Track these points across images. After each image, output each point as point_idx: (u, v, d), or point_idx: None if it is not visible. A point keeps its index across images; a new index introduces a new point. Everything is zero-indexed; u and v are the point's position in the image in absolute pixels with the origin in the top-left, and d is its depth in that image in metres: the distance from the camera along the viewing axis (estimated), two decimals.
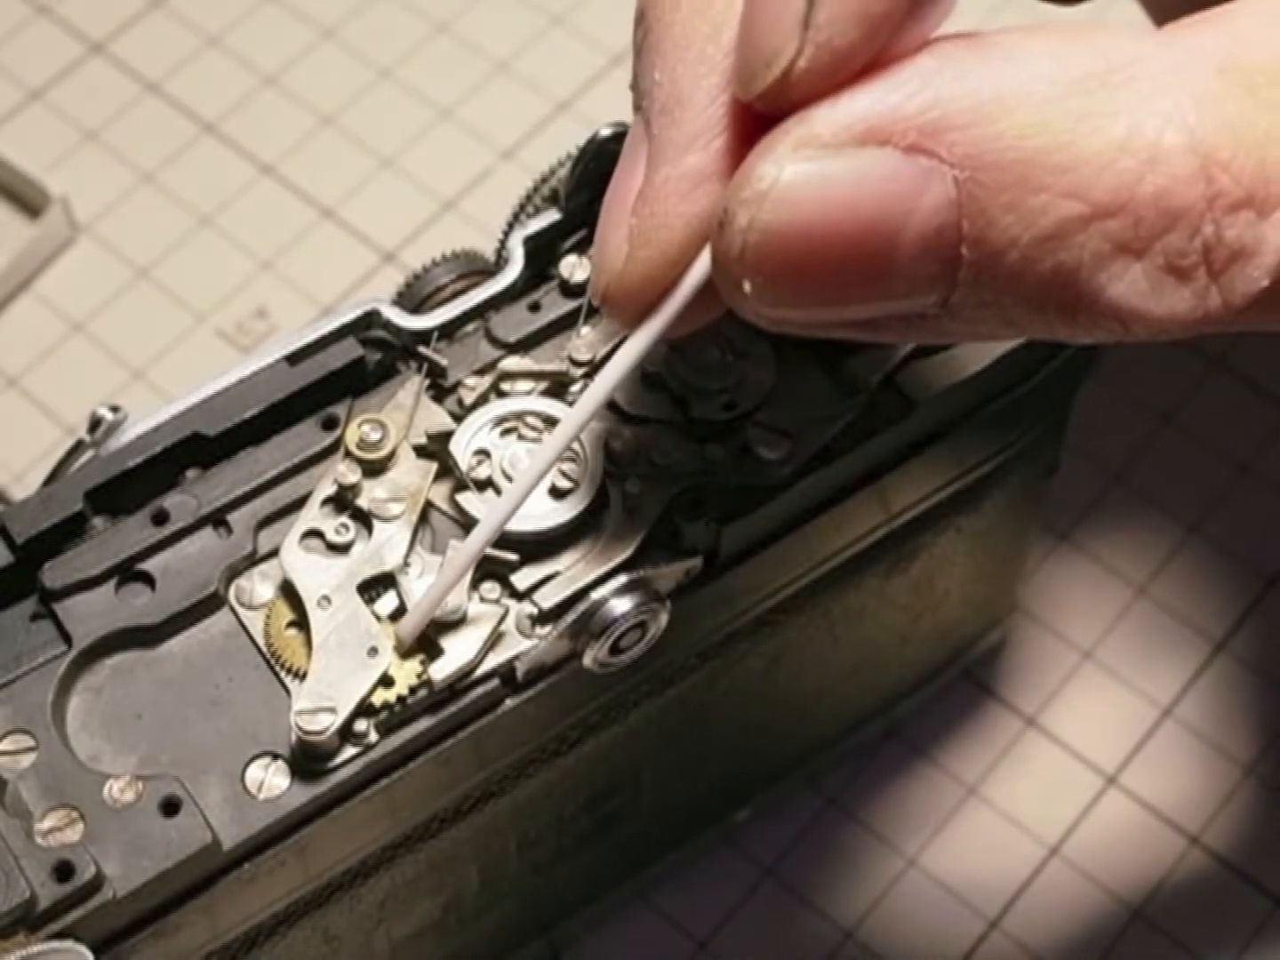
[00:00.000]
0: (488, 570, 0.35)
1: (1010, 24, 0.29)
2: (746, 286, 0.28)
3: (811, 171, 0.28)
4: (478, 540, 0.33)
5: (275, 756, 0.34)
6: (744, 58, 0.28)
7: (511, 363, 0.38)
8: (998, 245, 0.28)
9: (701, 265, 0.30)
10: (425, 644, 0.35)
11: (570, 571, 0.35)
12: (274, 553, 0.36)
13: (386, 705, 0.34)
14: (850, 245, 0.28)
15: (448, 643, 0.34)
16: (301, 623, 0.35)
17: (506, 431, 0.37)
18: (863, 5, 0.27)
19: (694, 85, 0.30)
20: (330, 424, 0.37)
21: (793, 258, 0.28)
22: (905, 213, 0.28)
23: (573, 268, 0.38)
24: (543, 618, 0.35)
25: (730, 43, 0.29)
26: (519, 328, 0.38)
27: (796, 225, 0.28)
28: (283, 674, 0.35)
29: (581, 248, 0.40)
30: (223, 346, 0.57)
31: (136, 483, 0.36)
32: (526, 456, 0.36)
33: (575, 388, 0.37)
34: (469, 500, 0.36)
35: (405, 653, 0.34)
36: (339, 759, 0.34)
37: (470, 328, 0.39)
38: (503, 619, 0.35)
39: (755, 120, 0.29)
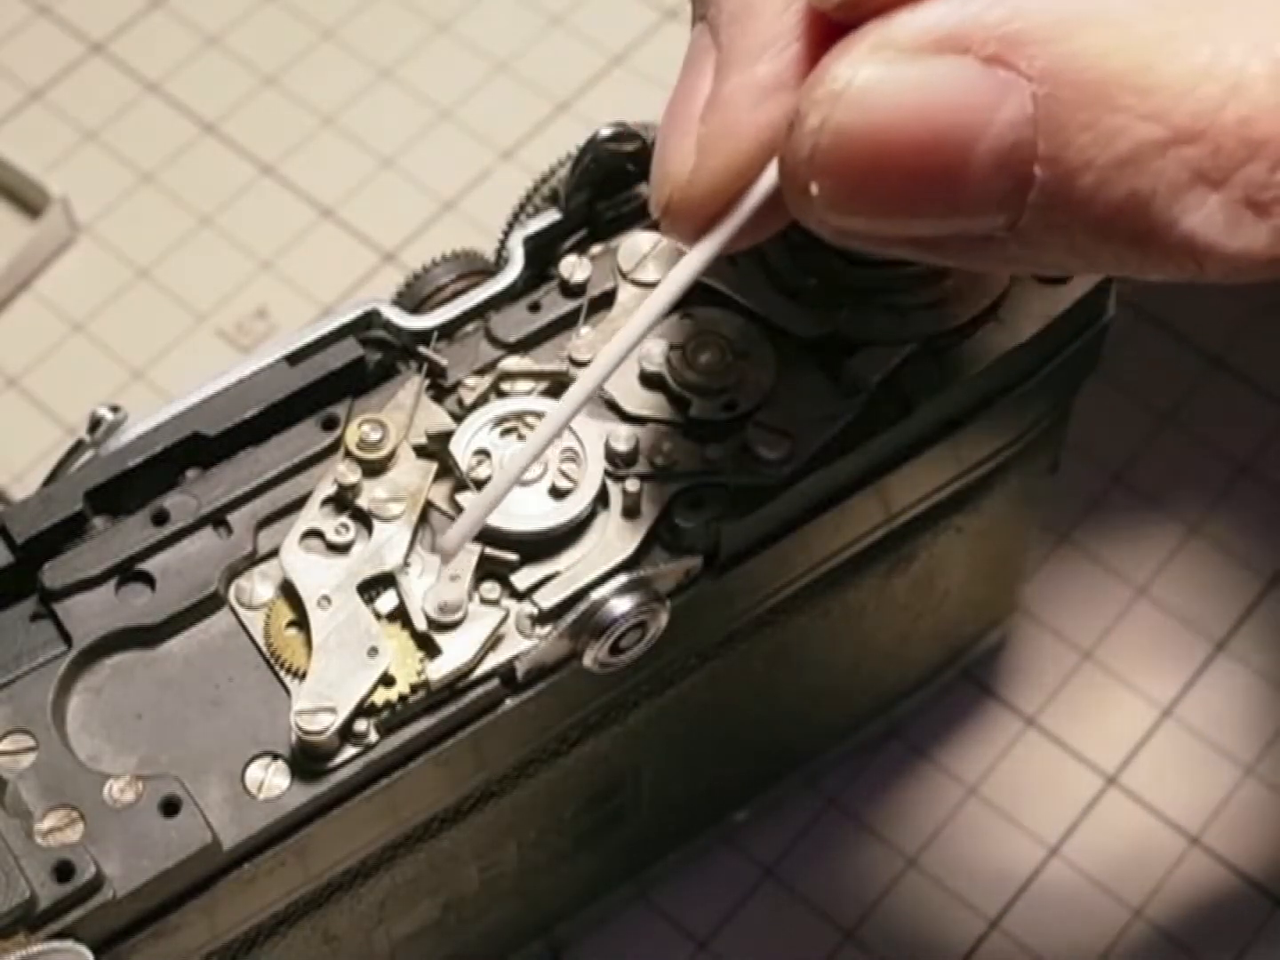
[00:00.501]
0: (488, 570, 0.35)
1: None
2: (814, 189, 0.28)
3: (888, 75, 0.27)
4: (568, 404, 0.31)
5: (275, 756, 0.34)
6: None
7: (511, 363, 0.38)
8: (1072, 166, 0.27)
9: (768, 178, 0.29)
10: (425, 644, 0.35)
11: (570, 571, 0.35)
12: (274, 553, 0.36)
13: (386, 705, 0.34)
14: (922, 153, 0.27)
15: (447, 643, 0.34)
16: (301, 623, 0.35)
17: (506, 431, 0.36)
18: None
19: None
20: (330, 424, 0.37)
21: (863, 161, 0.27)
22: (980, 124, 0.27)
23: (573, 268, 0.38)
24: (543, 618, 0.35)
25: None
26: (519, 328, 0.38)
27: (870, 128, 0.27)
28: (283, 674, 0.35)
29: (581, 248, 0.40)
30: (223, 346, 0.57)
31: (136, 483, 0.36)
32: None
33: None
34: (469, 500, 0.36)
35: (449, 562, 0.34)
36: (339, 759, 0.34)
37: (470, 328, 0.39)
38: (503, 619, 0.35)
39: (829, 29, 0.28)
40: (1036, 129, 0.27)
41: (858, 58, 0.27)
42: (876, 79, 0.27)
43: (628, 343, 0.31)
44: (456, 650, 0.34)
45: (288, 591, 0.35)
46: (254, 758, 0.34)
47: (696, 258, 0.30)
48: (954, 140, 0.27)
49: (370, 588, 0.35)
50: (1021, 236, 0.28)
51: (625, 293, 0.38)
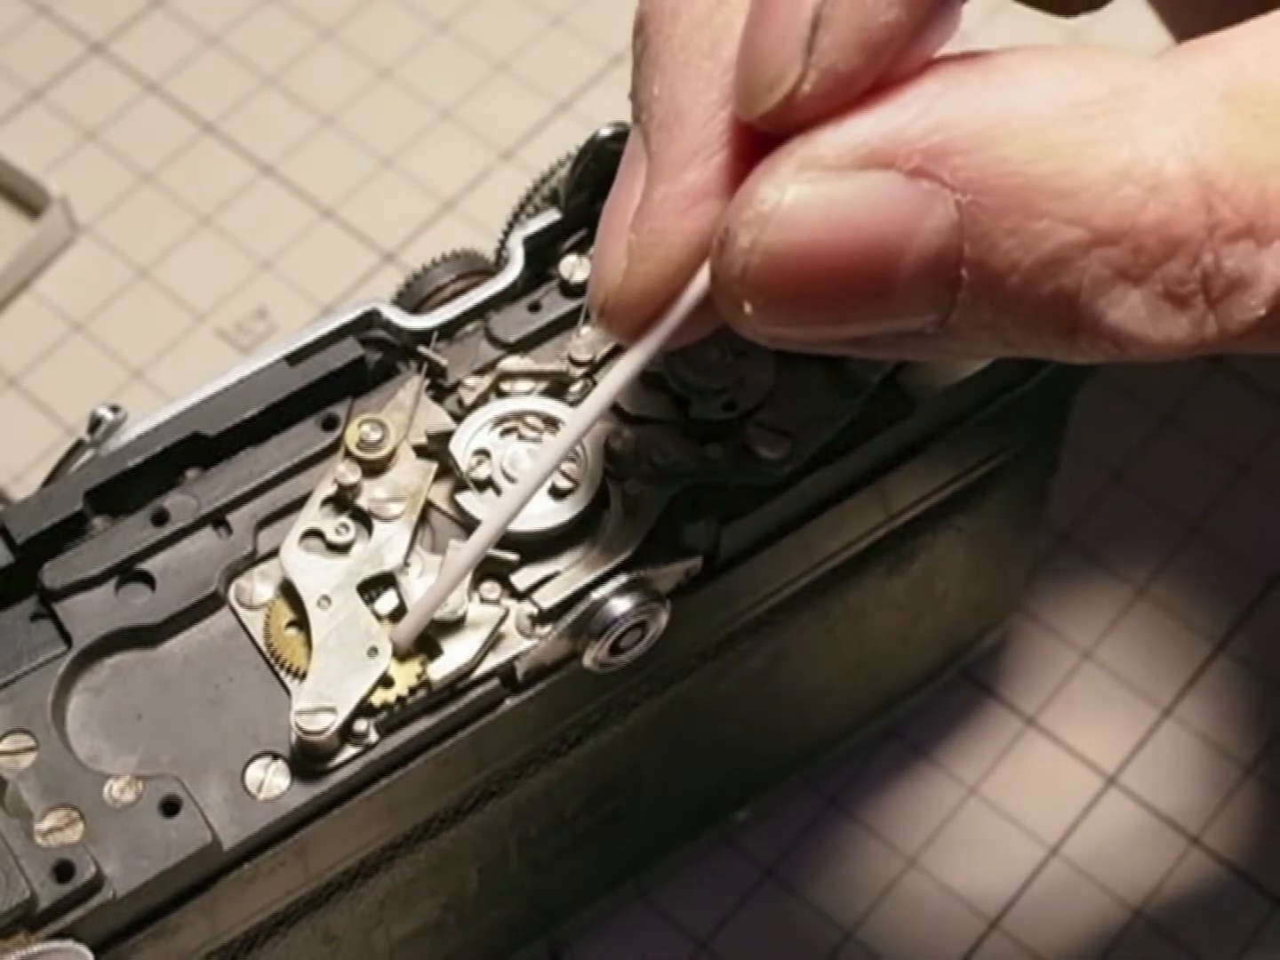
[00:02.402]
0: (488, 570, 0.35)
1: (1005, 30, 0.29)
2: (748, 308, 0.28)
3: (815, 194, 0.28)
4: (476, 544, 0.33)
5: (275, 756, 0.34)
6: (745, 79, 0.28)
7: (511, 363, 0.38)
8: (999, 269, 0.28)
9: (700, 281, 0.30)
10: (425, 644, 0.35)
11: (570, 571, 0.35)
12: (274, 553, 0.36)
13: (386, 705, 0.34)
14: (852, 267, 0.28)
15: (447, 643, 0.34)
16: (301, 623, 0.35)
17: (506, 431, 0.37)
18: (866, 30, 0.27)
19: (693, 101, 0.30)
20: (330, 424, 0.37)
21: (795, 279, 0.28)
22: (907, 235, 0.28)
23: (573, 268, 0.38)
24: (543, 618, 0.35)
25: (729, 59, 0.29)
26: (519, 328, 0.38)
27: (799, 247, 0.28)
28: (283, 674, 0.35)
29: (581, 248, 0.40)
30: (223, 346, 0.57)
31: (136, 483, 0.36)
32: (527, 456, 0.36)
33: (575, 388, 0.37)
34: (469, 500, 0.36)
35: (403, 656, 0.34)
36: (339, 759, 0.34)
37: (470, 328, 0.39)
38: (503, 619, 0.35)
39: (755, 137, 0.29)
40: (962, 234, 0.28)
41: (784, 176, 0.28)
42: (803, 199, 0.28)
43: (564, 445, 0.32)
44: (456, 650, 0.34)
45: (288, 591, 0.35)
46: (254, 758, 0.34)
47: (633, 359, 0.31)
48: (882, 252, 0.28)
49: (370, 588, 0.35)
50: (952, 332, 0.29)
51: None
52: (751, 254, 0.28)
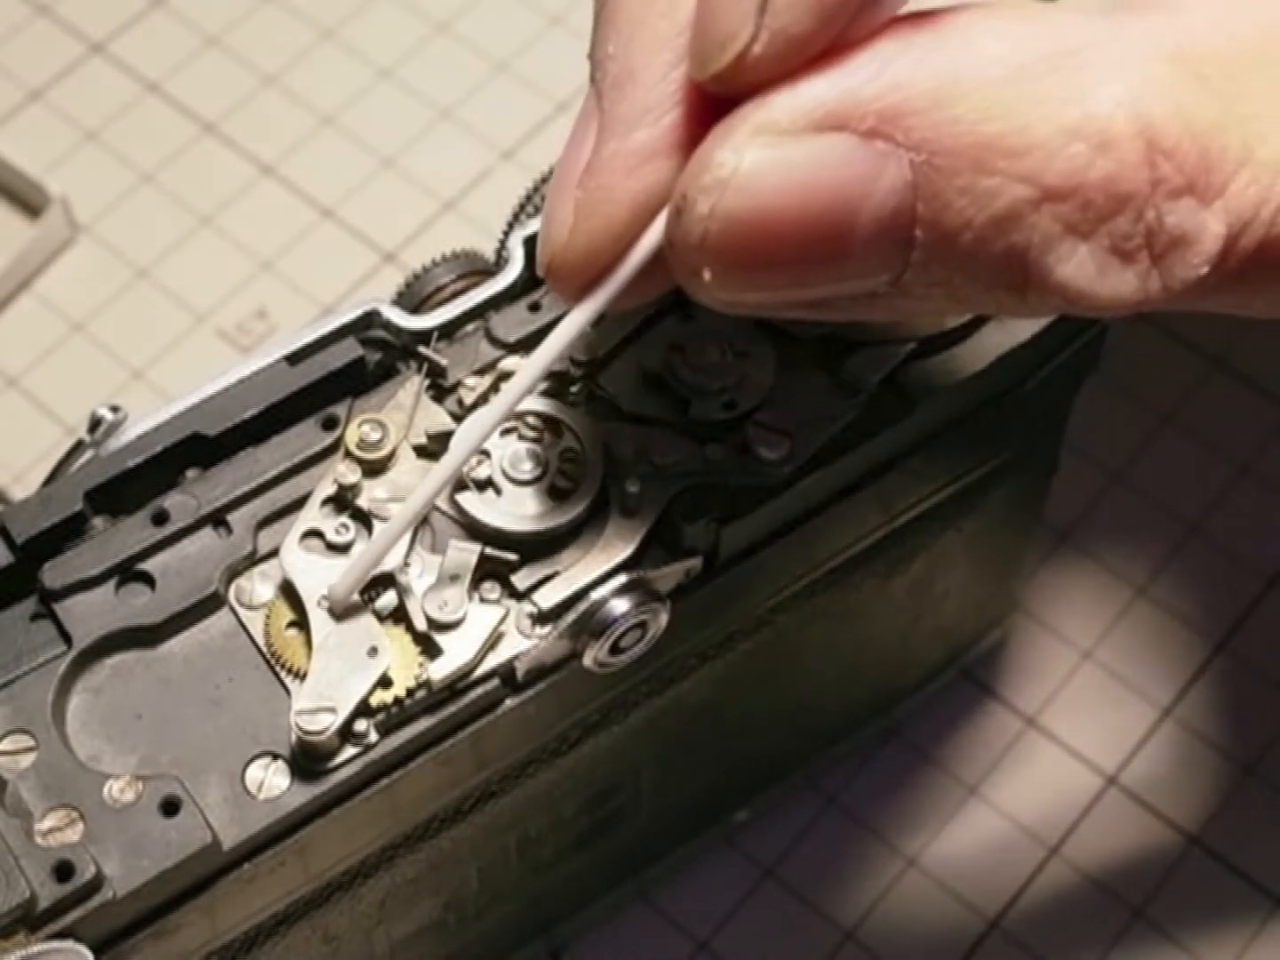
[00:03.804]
0: (488, 570, 0.35)
1: None
2: (706, 274, 0.29)
3: (772, 158, 0.28)
4: (415, 501, 0.33)
5: (275, 756, 0.34)
6: (698, 39, 0.28)
7: (511, 363, 0.38)
8: (951, 227, 0.28)
9: (647, 241, 0.30)
10: (425, 644, 0.35)
11: (570, 571, 0.35)
12: (274, 553, 0.36)
13: (386, 705, 0.34)
14: (808, 230, 0.28)
15: (447, 643, 0.34)
16: (301, 623, 0.35)
17: (506, 431, 0.36)
18: None
19: (646, 61, 0.30)
20: (330, 424, 0.37)
21: (753, 245, 0.28)
22: (862, 196, 0.28)
23: None
24: (543, 618, 0.35)
25: (685, 20, 0.29)
26: (519, 328, 0.38)
27: (758, 212, 0.28)
28: (283, 674, 0.35)
29: None
30: (223, 346, 0.57)
31: (136, 483, 0.36)
32: (527, 456, 0.36)
33: (575, 388, 0.37)
34: (469, 500, 0.36)
35: (340, 615, 0.34)
36: (339, 759, 0.34)
37: (470, 328, 0.39)
38: (503, 619, 0.35)
39: (707, 100, 0.29)
40: (916, 194, 0.28)
41: (740, 141, 0.28)
42: (760, 163, 0.28)
43: (511, 398, 0.32)
44: (456, 650, 0.34)
45: (288, 591, 0.35)
46: (254, 758, 0.34)
47: (578, 317, 0.31)
48: (837, 214, 0.28)
49: (370, 588, 0.35)
50: (906, 290, 0.29)
51: None
52: (710, 220, 0.28)
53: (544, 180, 0.41)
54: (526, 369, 0.32)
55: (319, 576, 0.35)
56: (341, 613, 0.34)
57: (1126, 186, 0.28)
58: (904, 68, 0.28)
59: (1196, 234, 0.28)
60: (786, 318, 0.31)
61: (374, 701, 0.34)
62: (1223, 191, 0.28)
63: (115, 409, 0.37)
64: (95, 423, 0.37)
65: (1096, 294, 0.29)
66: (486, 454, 0.36)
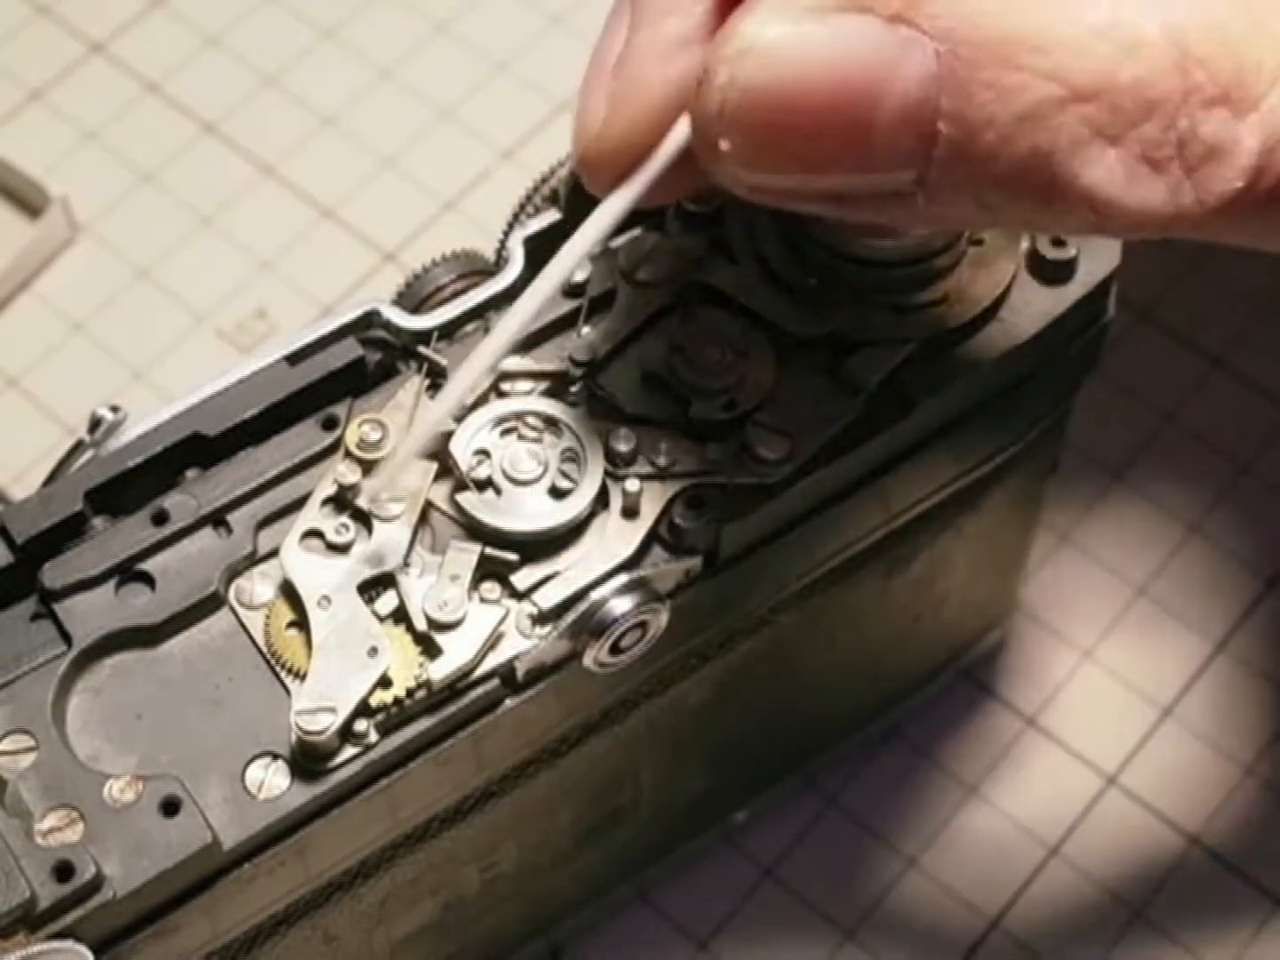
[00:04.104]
0: (488, 570, 0.35)
1: None
2: (724, 145, 0.29)
3: (794, 32, 0.28)
4: (487, 351, 0.32)
5: (275, 756, 0.34)
6: None
7: (511, 363, 0.38)
8: (975, 122, 0.28)
9: (680, 131, 0.30)
10: (425, 644, 0.35)
11: (570, 571, 0.35)
12: (274, 553, 0.36)
13: (386, 705, 0.34)
14: (829, 109, 0.28)
15: (447, 643, 0.34)
16: (301, 623, 0.35)
17: (506, 431, 0.36)
18: None
19: None
20: (330, 424, 0.37)
21: (771, 116, 0.28)
22: (884, 80, 0.28)
23: None
24: (543, 618, 0.35)
25: None
26: None
27: (776, 84, 0.28)
28: (283, 674, 0.35)
29: None
30: (223, 346, 0.57)
31: (136, 483, 0.36)
32: (527, 456, 0.36)
33: (575, 387, 0.37)
34: (469, 500, 0.36)
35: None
36: (339, 759, 0.34)
37: (470, 328, 0.39)
38: (503, 619, 0.35)
39: None
40: (940, 86, 0.28)
41: (765, 16, 0.28)
42: (783, 36, 0.28)
43: (553, 280, 0.31)
44: (456, 650, 0.34)
45: (288, 591, 0.35)
46: (254, 758, 0.34)
47: (612, 207, 0.31)
48: (859, 97, 0.28)
49: (370, 588, 0.35)
50: (929, 192, 0.29)
51: (625, 292, 0.38)
52: (730, 89, 0.28)
53: (544, 180, 0.41)
54: (561, 257, 0.31)
55: (319, 576, 0.35)
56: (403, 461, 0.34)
57: (1157, 92, 0.28)
58: None
59: (1231, 146, 0.28)
60: (813, 213, 0.30)
61: (374, 701, 0.34)
62: (1257, 105, 0.28)
63: (115, 409, 0.37)
64: (95, 423, 0.37)
65: (1124, 203, 0.28)
66: (486, 454, 0.36)
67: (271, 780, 0.34)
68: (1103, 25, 0.28)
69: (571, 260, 0.31)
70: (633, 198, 0.31)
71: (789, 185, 0.29)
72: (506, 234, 0.40)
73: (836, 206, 0.30)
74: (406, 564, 0.35)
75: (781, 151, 0.29)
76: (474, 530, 0.36)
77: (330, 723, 0.33)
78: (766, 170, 0.29)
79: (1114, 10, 0.28)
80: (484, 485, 0.36)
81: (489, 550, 0.35)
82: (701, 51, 0.29)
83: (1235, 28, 0.28)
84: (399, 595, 0.35)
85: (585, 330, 0.38)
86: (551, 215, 0.40)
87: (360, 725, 0.34)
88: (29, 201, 0.59)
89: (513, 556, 0.35)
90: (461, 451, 0.36)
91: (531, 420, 0.37)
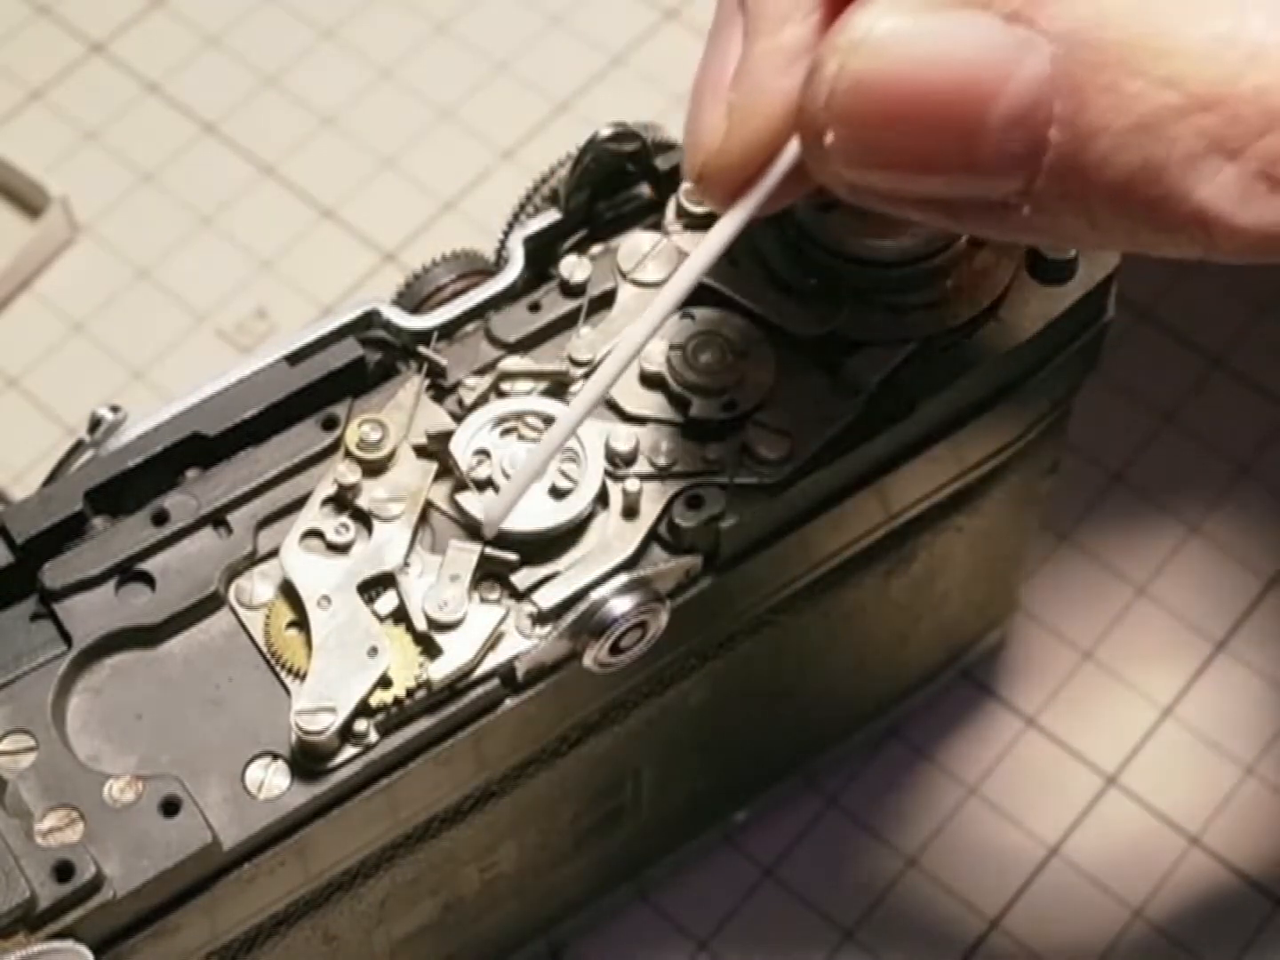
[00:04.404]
0: (488, 570, 0.35)
1: None
2: (829, 137, 0.28)
3: (908, 26, 0.27)
4: (584, 399, 0.32)
5: (275, 756, 0.34)
6: None
7: (511, 363, 0.38)
8: (1088, 130, 0.27)
9: (796, 142, 0.29)
10: (425, 644, 0.35)
11: (570, 571, 0.35)
12: (274, 553, 0.36)
13: (386, 705, 0.34)
14: (939, 107, 0.27)
15: (447, 643, 0.34)
16: (301, 623, 0.35)
17: (506, 431, 0.36)
18: None
19: None
20: (330, 424, 0.37)
21: (879, 110, 0.28)
22: (998, 81, 0.27)
23: (573, 268, 0.38)
24: (543, 618, 0.35)
25: None
26: (519, 328, 0.38)
27: (886, 77, 0.27)
28: (283, 674, 0.35)
29: (581, 247, 0.40)
30: (223, 346, 0.57)
31: (136, 483, 0.36)
32: (528, 455, 0.36)
33: (575, 387, 0.37)
34: (469, 500, 0.36)
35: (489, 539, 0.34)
36: (339, 759, 0.34)
37: (470, 328, 0.39)
38: (503, 619, 0.35)
39: None
40: (1054, 90, 0.27)
41: (881, 8, 0.28)
42: (896, 29, 0.27)
43: (669, 304, 0.31)
44: (456, 650, 0.34)
45: (288, 591, 0.35)
46: (254, 758, 0.34)
47: (730, 222, 0.30)
48: (971, 96, 0.27)
49: (370, 588, 0.35)
50: (1036, 203, 0.28)
51: (625, 292, 0.38)
52: (839, 79, 0.28)
53: (544, 180, 0.41)
54: (680, 275, 0.31)
55: (319, 576, 0.35)
56: (493, 530, 0.34)
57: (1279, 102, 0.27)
58: None
59: None
60: (917, 218, 0.30)
61: (374, 701, 0.34)
62: None
63: (115, 409, 0.37)
64: (95, 423, 0.37)
65: (1238, 221, 0.27)
66: (486, 454, 0.36)
67: (271, 780, 0.34)
68: (1226, 32, 0.27)
69: (688, 282, 0.31)
70: (752, 209, 0.30)
71: (891, 186, 0.29)
72: (506, 234, 0.40)
73: (939, 214, 0.29)
74: (406, 564, 0.35)
75: (887, 147, 0.28)
76: (474, 530, 0.36)
77: (330, 723, 0.33)
78: (870, 167, 0.28)
79: (1238, 17, 0.27)
80: (484, 485, 0.36)
81: (489, 550, 0.35)
82: None
83: None
84: (399, 595, 0.35)
85: (585, 330, 0.38)
86: (551, 215, 0.40)
87: (360, 725, 0.34)
88: (29, 201, 0.59)
89: (513, 556, 0.35)
90: (461, 451, 0.36)
91: (531, 420, 0.37)
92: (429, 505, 0.36)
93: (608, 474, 0.36)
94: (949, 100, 0.27)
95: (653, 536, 0.36)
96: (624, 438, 0.36)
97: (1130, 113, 0.27)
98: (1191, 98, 0.27)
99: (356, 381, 0.38)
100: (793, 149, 0.29)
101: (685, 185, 0.34)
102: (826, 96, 0.28)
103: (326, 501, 0.36)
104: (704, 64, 0.31)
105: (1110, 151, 0.27)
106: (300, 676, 0.34)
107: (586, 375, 0.37)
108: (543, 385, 0.37)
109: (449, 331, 0.38)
